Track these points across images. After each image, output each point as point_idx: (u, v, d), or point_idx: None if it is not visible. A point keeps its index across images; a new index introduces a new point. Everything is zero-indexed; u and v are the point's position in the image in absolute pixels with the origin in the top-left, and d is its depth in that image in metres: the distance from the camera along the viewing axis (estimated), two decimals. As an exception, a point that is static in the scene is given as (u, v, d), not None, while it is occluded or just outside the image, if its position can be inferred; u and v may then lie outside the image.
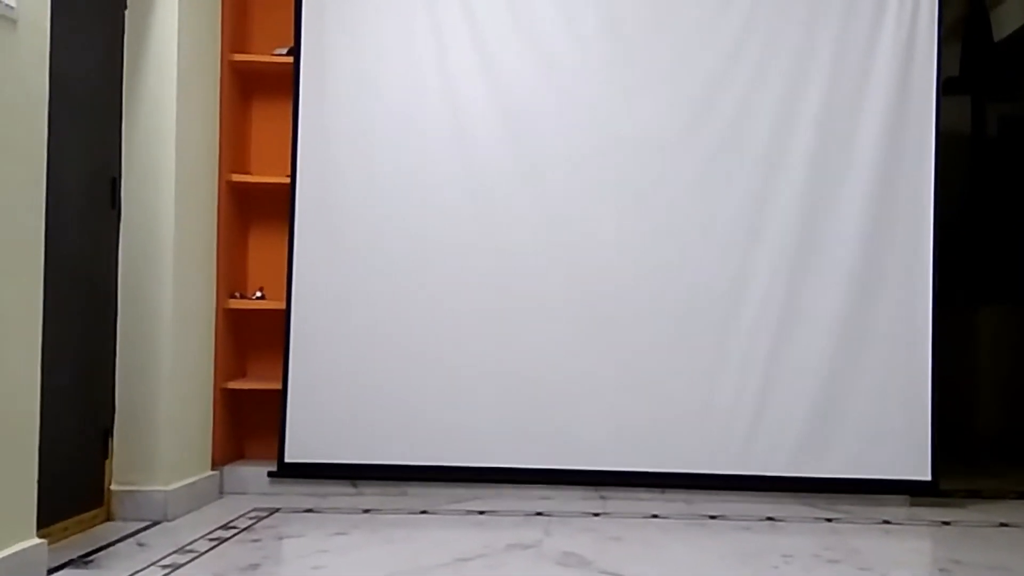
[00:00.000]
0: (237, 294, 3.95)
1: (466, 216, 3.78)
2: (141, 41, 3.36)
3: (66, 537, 2.97)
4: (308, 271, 3.77)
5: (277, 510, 3.50)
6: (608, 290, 3.76)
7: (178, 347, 3.40)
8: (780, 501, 3.69)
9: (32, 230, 2.51)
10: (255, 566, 2.73)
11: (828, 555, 2.97)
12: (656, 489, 3.76)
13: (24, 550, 2.43)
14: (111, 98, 3.30)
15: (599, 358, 3.74)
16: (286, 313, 3.77)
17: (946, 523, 3.50)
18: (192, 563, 2.75)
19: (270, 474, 3.76)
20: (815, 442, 3.69)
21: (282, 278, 3.80)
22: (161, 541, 3.00)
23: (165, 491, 3.30)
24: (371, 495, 3.75)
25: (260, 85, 4.07)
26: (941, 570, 2.92)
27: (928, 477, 3.68)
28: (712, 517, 3.49)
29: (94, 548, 2.89)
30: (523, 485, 3.74)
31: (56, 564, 2.66)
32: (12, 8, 2.40)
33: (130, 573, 2.63)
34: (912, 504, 3.74)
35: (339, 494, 3.75)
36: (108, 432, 3.28)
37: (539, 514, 3.48)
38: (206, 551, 2.89)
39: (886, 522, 3.50)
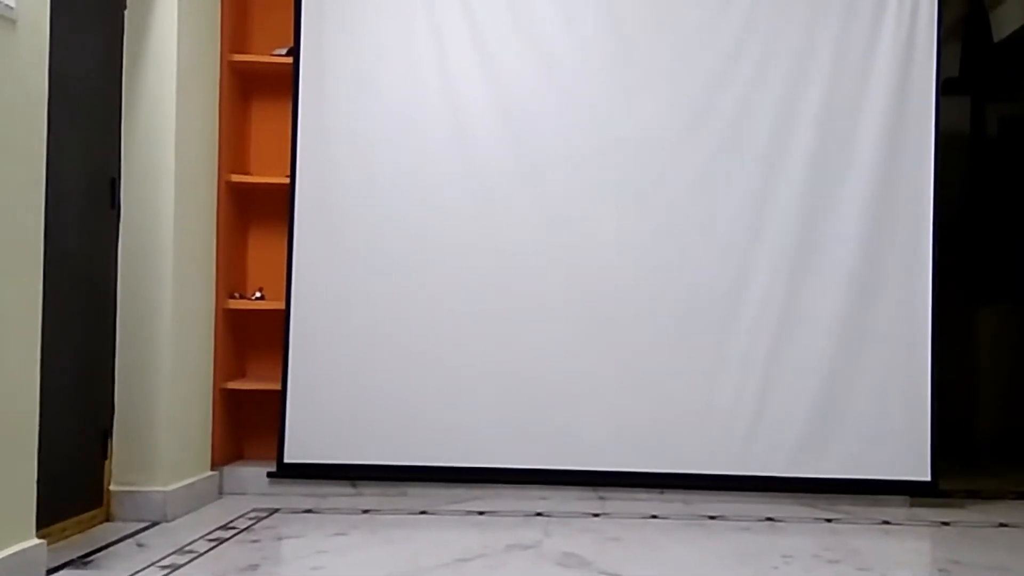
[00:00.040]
0: (237, 294, 3.94)
1: (466, 216, 3.78)
2: (141, 41, 3.36)
3: (65, 537, 2.96)
4: (308, 271, 3.77)
5: (276, 510, 3.50)
6: (608, 290, 3.76)
7: (178, 347, 3.40)
8: (780, 501, 3.69)
9: (32, 230, 2.51)
10: (254, 566, 2.73)
11: (828, 555, 2.97)
12: (655, 489, 3.76)
13: (23, 550, 2.43)
14: (111, 98, 3.29)
15: (599, 358, 3.74)
16: (286, 313, 3.77)
17: (946, 523, 3.50)
18: (191, 563, 2.75)
19: (269, 474, 3.76)
20: (815, 442, 3.69)
21: (282, 278, 3.80)
22: (160, 541, 3.00)
23: (164, 491, 3.30)
24: (371, 495, 3.75)
25: (260, 85, 4.07)
26: (941, 570, 2.92)
27: (928, 477, 3.68)
28: (712, 517, 3.49)
29: (93, 549, 2.89)
30: (523, 485, 3.74)
31: (55, 564, 2.66)
32: (12, 8, 2.40)
33: (129, 573, 2.63)
34: (912, 504, 3.74)
35: (339, 494, 3.75)
36: (107, 432, 3.28)
37: (539, 514, 3.48)
38: (205, 551, 2.89)
39: (886, 522, 3.50)
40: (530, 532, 3.20)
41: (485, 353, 3.75)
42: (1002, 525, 3.48)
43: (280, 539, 3.12)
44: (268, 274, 3.99)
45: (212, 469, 3.72)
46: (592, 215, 3.78)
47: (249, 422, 4.02)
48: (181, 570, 2.68)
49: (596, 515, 3.50)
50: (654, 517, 3.48)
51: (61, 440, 2.90)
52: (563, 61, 3.81)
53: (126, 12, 3.35)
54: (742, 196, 3.76)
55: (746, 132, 3.77)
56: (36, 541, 2.50)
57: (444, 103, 3.80)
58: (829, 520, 3.49)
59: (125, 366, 3.31)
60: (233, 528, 3.21)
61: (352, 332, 3.75)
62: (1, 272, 2.37)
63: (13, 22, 2.41)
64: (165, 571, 2.66)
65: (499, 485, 3.74)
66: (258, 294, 3.97)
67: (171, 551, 2.87)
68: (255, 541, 3.05)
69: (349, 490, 3.77)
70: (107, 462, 3.28)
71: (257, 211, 4.08)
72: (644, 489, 3.75)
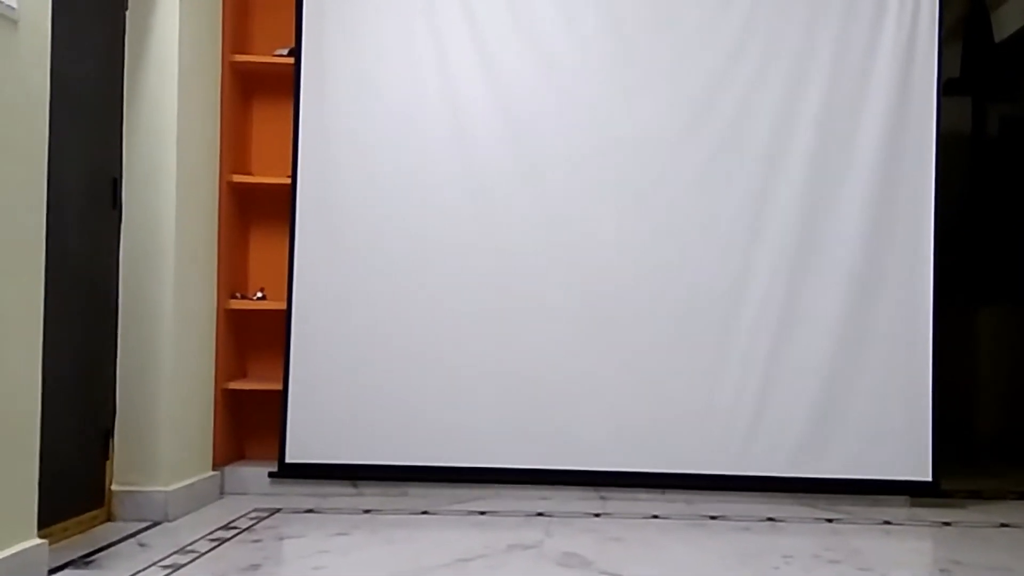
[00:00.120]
0: (238, 294, 3.95)
1: (466, 216, 3.78)
2: (142, 41, 3.36)
3: (67, 537, 2.97)
4: (308, 271, 3.77)
5: (278, 510, 3.50)
6: (608, 290, 3.76)
7: (179, 347, 3.40)
8: (780, 501, 3.69)
9: (32, 230, 2.51)
10: (256, 566, 2.73)
11: (828, 555, 2.97)
12: (656, 489, 3.76)
13: (25, 550, 2.43)
14: (112, 98, 3.30)
15: (599, 358, 3.74)
16: (287, 313, 3.77)
17: (946, 523, 3.50)
18: (193, 563, 2.75)
19: (271, 474, 3.76)
20: (815, 442, 3.70)
21: (283, 278, 3.80)
22: (162, 541, 3.00)
23: (166, 491, 3.30)
24: (372, 495, 3.75)
25: (261, 86, 4.07)
26: (941, 570, 2.92)
27: (928, 477, 3.68)
28: (712, 517, 3.49)
29: (95, 548, 2.89)
30: (524, 485, 3.74)
31: (57, 564, 2.66)
32: (13, 8, 2.40)
33: (131, 573, 2.63)
34: (912, 504, 3.74)
35: (340, 494, 3.75)
36: (109, 432, 3.28)
37: (540, 514, 3.49)
38: (207, 551, 2.89)
39: (886, 522, 3.50)
40: (531, 532, 3.20)
41: (485, 353, 3.75)
42: (1003, 525, 3.48)
43: (281, 539, 3.12)
44: (269, 274, 3.99)
45: (213, 469, 3.72)
46: (592, 215, 3.78)
47: (250, 422, 4.02)
48: (182, 570, 2.68)
49: (597, 515, 3.50)
50: (655, 517, 3.48)
51: (62, 440, 2.90)
52: (563, 61, 3.81)
53: (127, 12, 3.35)
54: (742, 196, 3.76)
55: (746, 132, 3.77)
56: (37, 541, 2.51)
57: (444, 103, 3.80)
58: (830, 520, 3.49)
59: (126, 366, 3.31)
60: (234, 528, 3.21)
61: (353, 332, 3.76)
62: (2, 272, 2.38)
63: (14, 22, 2.42)
64: (167, 571, 2.66)
65: (500, 485, 3.75)
66: (259, 294, 3.98)
67: (172, 551, 2.87)
68: (256, 541, 3.05)
69: (350, 490, 3.78)
70: (108, 462, 3.28)
71: (258, 211, 4.08)
72: (645, 489, 3.75)
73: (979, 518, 3.58)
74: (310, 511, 3.51)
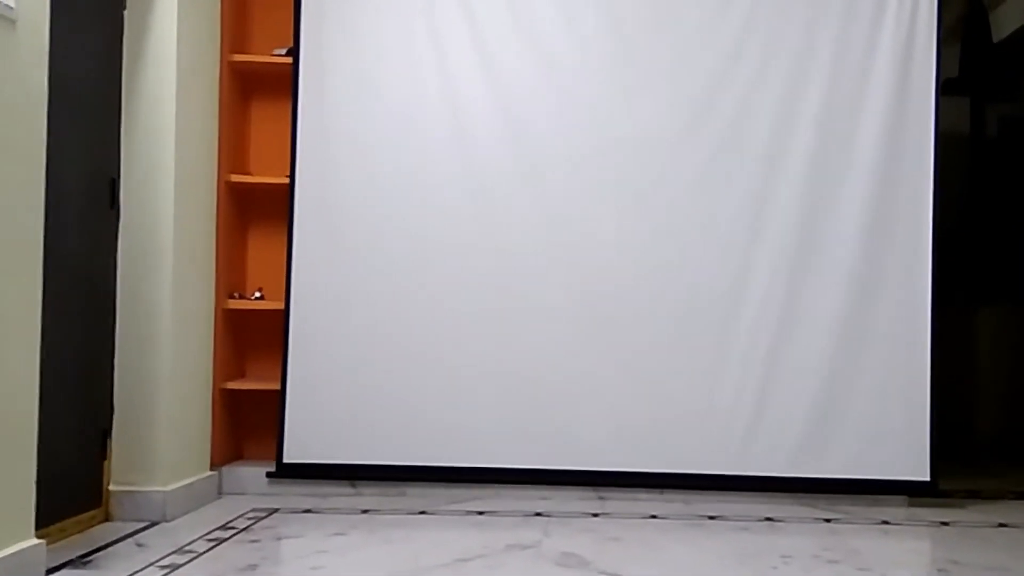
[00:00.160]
0: (236, 294, 3.94)
1: (466, 216, 3.78)
2: (140, 41, 3.36)
3: (65, 537, 2.96)
4: (307, 271, 3.77)
5: (276, 510, 3.50)
6: (608, 290, 3.76)
7: (177, 347, 3.39)
8: (779, 501, 3.69)
9: (32, 230, 2.51)
10: (254, 567, 2.73)
11: (827, 555, 2.97)
12: (655, 489, 3.76)
13: (23, 550, 2.43)
14: (110, 98, 3.29)
15: (599, 358, 3.74)
16: (285, 313, 3.77)
17: (945, 523, 3.50)
18: (191, 563, 2.74)
19: (269, 474, 3.76)
20: (815, 442, 3.70)
21: (281, 278, 3.80)
22: (160, 541, 3.00)
23: (164, 491, 3.29)
24: (370, 495, 3.74)
25: (259, 85, 4.07)
26: (940, 570, 2.92)
27: (927, 477, 3.68)
28: (711, 518, 3.49)
29: (93, 548, 2.89)
30: (523, 485, 3.74)
31: (55, 564, 2.66)
32: (12, 8, 2.40)
33: (129, 573, 2.63)
34: (911, 504, 3.74)
35: (338, 494, 3.75)
36: (107, 432, 3.27)
37: (538, 514, 3.48)
38: (205, 551, 2.89)
39: (885, 522, 3.50)
40: (530, 532, 3.20)
41: (485, 353, 3.75)
42: (1002, 525, 3.48)
43: (279, 539, 3.12)
44: (268, 274, 3.99)
45: (211, 469, 3.72)
46: (592, 215, 3.78)
47: (248, 422, 4.02)
48: (180, 570, 2.68)
49: (596, 515, 3.50)
50: (654, 517, 3.48)
51: (60, 440, 2.90)
52: (563, 61, 3.81)
53: (126, 12, 3.35)
54: (742, 196, 3.76)
55: (746, 132, 3.77)
56: (35, 541, 2.50)
57: (444, 103, 3.80)
58: (828, 520, 3.49)
59: (124, 366, 3.31)
60: (232, 528, 3.21)
61: (352, 332, 3.75)
62: (1, 272, 2.37)
63: (13, 22, 2.41)
64: (164, 571, 2.66)
65: (499, 485, 3.74)
66: (258, 294, 3.97)
67: (170, 551, 2.87)
68: (254, 541, 3.05)
69: (348, 490, 3.77)
70: (106, 462, 3.28)
71: (257, 211, 4.08)
72: (644, 489, 3.75)
73: (978, 518, 3.58)
74: (308, 511, 3.51)
